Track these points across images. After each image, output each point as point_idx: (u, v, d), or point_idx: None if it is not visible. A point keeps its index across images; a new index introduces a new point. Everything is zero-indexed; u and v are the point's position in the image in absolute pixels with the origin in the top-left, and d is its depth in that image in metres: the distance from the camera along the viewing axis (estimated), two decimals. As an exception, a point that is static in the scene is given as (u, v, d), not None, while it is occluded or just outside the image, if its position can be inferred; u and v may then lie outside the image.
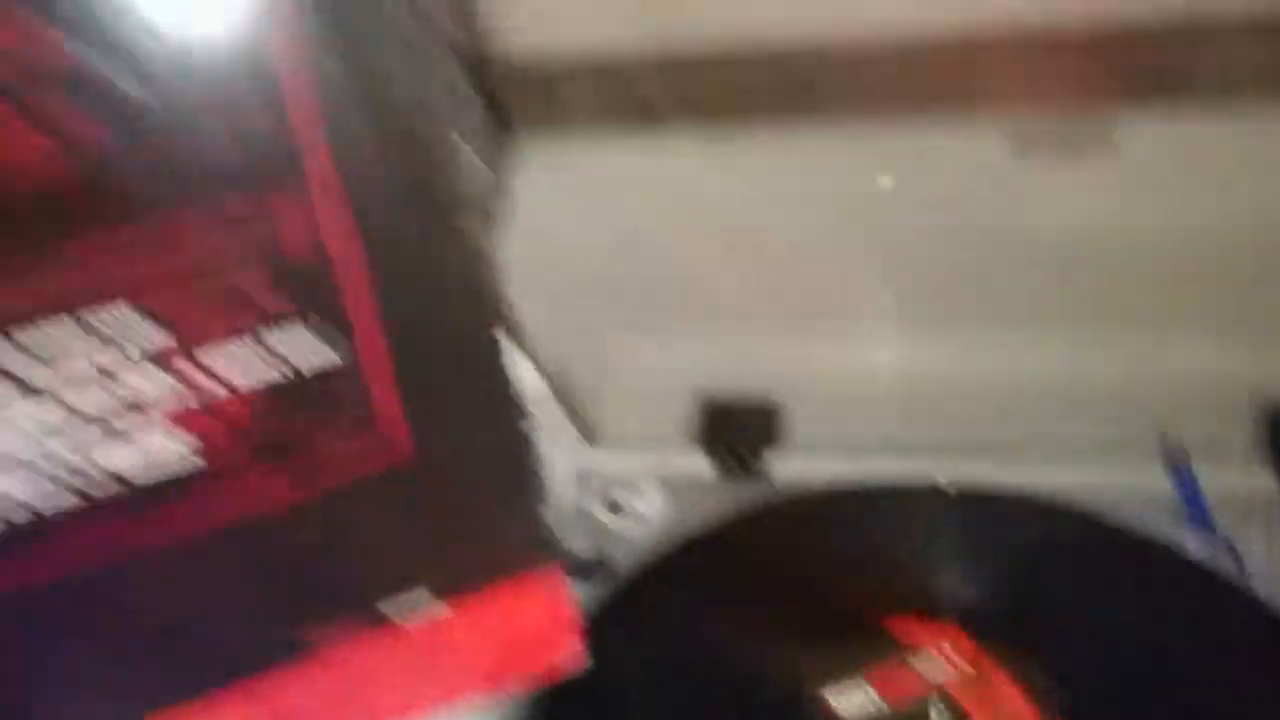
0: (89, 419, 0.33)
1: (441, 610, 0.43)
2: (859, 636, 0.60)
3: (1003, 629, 0.58)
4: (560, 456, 0.75)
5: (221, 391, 0.34)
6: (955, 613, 0.60)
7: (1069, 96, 0.63)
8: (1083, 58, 0.61)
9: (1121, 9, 0.58)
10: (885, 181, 0.68)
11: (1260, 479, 0.66)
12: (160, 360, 0.33)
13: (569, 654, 0.47)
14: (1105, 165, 0.63)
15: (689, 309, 0.77)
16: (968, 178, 0.67)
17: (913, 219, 0.70)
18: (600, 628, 0.61)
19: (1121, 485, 0.68)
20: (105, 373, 0.32)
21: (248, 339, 0.34)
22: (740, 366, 0.76)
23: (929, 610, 0.61)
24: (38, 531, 0.33)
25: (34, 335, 0.30)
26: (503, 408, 0.41)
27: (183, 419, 0.34)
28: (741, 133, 0.69)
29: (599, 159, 0.73)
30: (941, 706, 0.57)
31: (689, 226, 0.75)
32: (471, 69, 0.69)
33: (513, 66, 0.69)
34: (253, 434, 0.35)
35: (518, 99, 0.71)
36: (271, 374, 0.35)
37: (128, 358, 0.32)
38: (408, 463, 0.38)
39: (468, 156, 0.69)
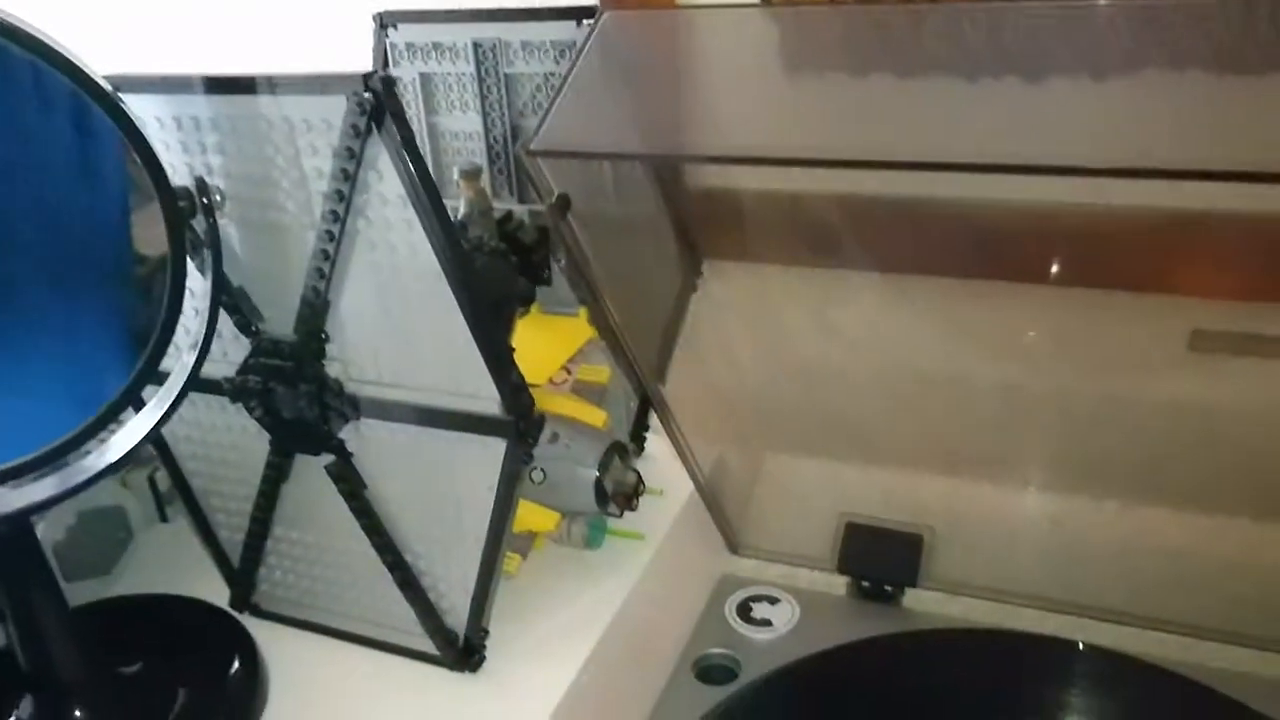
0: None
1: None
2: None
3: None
4: (705, 560, 0.79)
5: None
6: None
7: (1255, 290, 0.64)
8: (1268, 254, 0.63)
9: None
10: (1030, 336, 0.70)
11: None
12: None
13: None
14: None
15: (847, 437, 0.80)
16: (1144, 353, 0.69)
17: (1084, 382, 0.72)
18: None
19: (1268, 678, 0.67)
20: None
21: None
22: (889, 498, 0.79)
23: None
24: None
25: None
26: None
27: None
28: (920, 280, 0.73)
29: (778, 288, 0.78)
30: None
31: (856, 359, 0.79)
32: (669, 199, 0.75)
33: (706, 197, 0.76)
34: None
35: (707, 227, 0.77)
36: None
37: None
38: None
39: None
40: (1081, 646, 0.67)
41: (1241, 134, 0.46)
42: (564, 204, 0.52)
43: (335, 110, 0.49)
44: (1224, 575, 0.71)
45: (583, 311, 0.72)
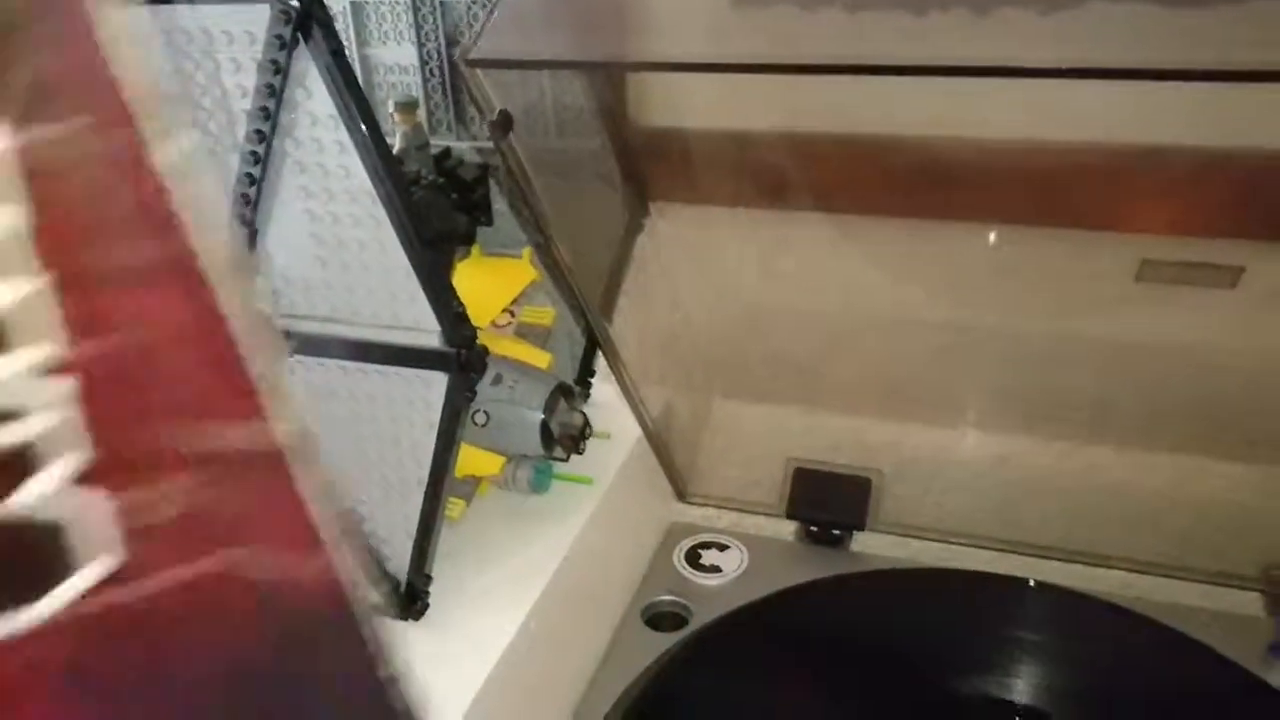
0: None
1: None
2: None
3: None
4: (652, 508, 0.78)
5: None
6: (1022, 711, 0.60)
7: (1203, 223, 0.64)
8: (1220, 190, 0.63)
9: (1266, 144, 0.59)
10: (978, 276, 0.70)
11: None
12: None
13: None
14: (1231, 295, 0.64)
15: (795, 381, 0.79)
16: (1092, 288, 0.69)
17: (1030, 322, 0.72)
18: (676, 674, 0.63)
19: (1213, 609, 0.67)
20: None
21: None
22: (837, 442, 0.78)
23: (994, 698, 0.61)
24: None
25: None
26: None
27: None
28: (868, 221, 0.72)
29: (725, 230, 0.76)
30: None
31: (803, 302, 0.77)
32: (614, 137, 0.73)
33: (652, 137, 0.73)
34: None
35: (654, 168, 0.75)
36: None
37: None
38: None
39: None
40: (1032, 584, 0.67)
41: (1190, 40, 0.45)
42: (505, 121, 0.49)
43: (258, 21, 0.46)
44: (1169, 511, 0.72)
45: (526, 253, 0.70)
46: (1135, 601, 0.67)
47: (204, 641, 0.26)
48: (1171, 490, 0.72)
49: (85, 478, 0.23)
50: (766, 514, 0.78)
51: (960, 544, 0.74)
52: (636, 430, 0.73)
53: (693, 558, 0.75)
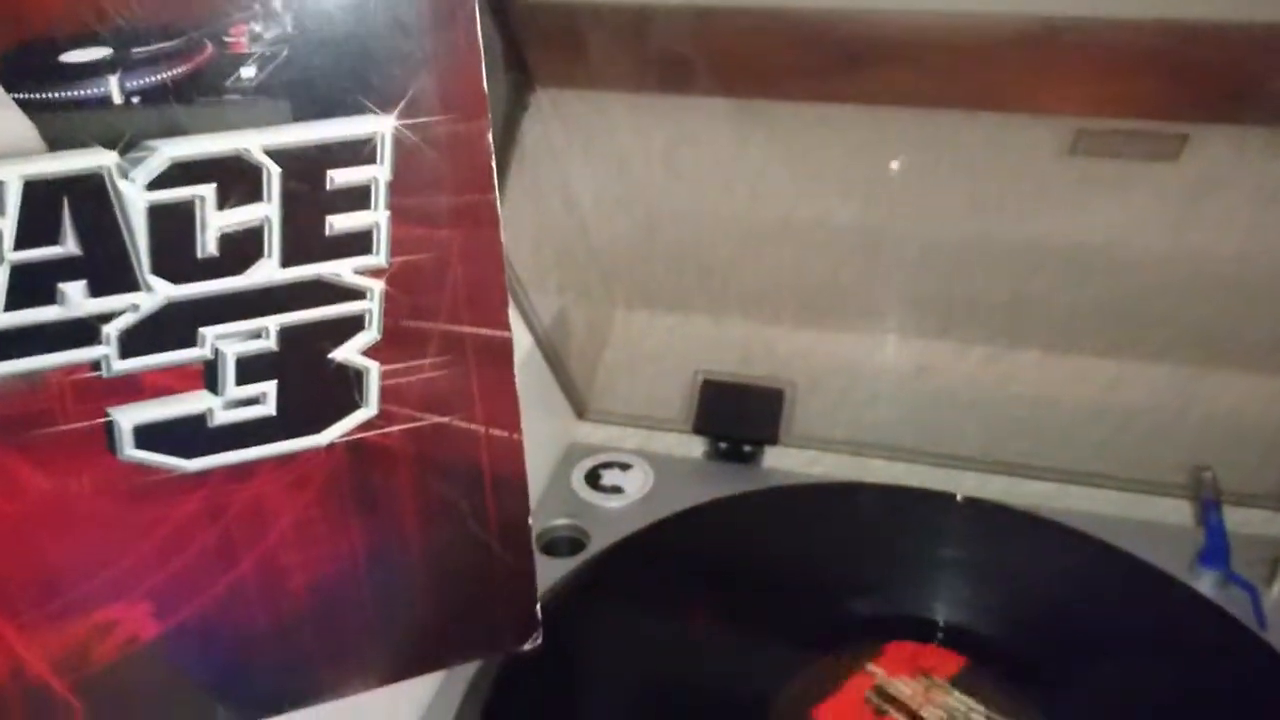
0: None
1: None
2: (832, 646, 0.56)
3: (996, 651, 0.54)
4: (547, 426, 0.71)
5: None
6: (946, 628, 0.56)
7: (1136, 103, 0.59)
8: (1156, 63, 0.58)
9: (1201, 14, 0.54)
10: (896, 164, 0.64)
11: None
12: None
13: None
14: (1163, 181, 0.59)
15: (700, 287, 0.73)
16: (1016, 179, 0.63)
17: (950, 218, 0.66)
18: (570, 602, 0.57)
19: (1140, 519, 0.64)
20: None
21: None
22: (747, 353, 0.72)
23: (918, 621, 0.57)
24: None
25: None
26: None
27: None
28: (774, 105, 0.66)
29: (622, 121, 0.69)
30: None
31: (709, 201, 0.71)
32: (495, 12, 0.65)
33: (538, 13, 0.66)
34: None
35: (540, 49, 0.67)
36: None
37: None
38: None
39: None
40: (959, 499, 0.63)
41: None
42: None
43: None
44: (1094, 418, 0.68)
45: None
46: (1061, 513, 0.63)
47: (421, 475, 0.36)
48: (1097, 396, 0.68)
49: (372, 349, 0.34)
50: (674, 430, 0.72)
51: (878, 458, 0.69)
52: (528, 342, 0.66)
53: (593, 478, 0.69)
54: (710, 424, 0.71)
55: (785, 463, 0.70)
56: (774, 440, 0.70)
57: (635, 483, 0.68)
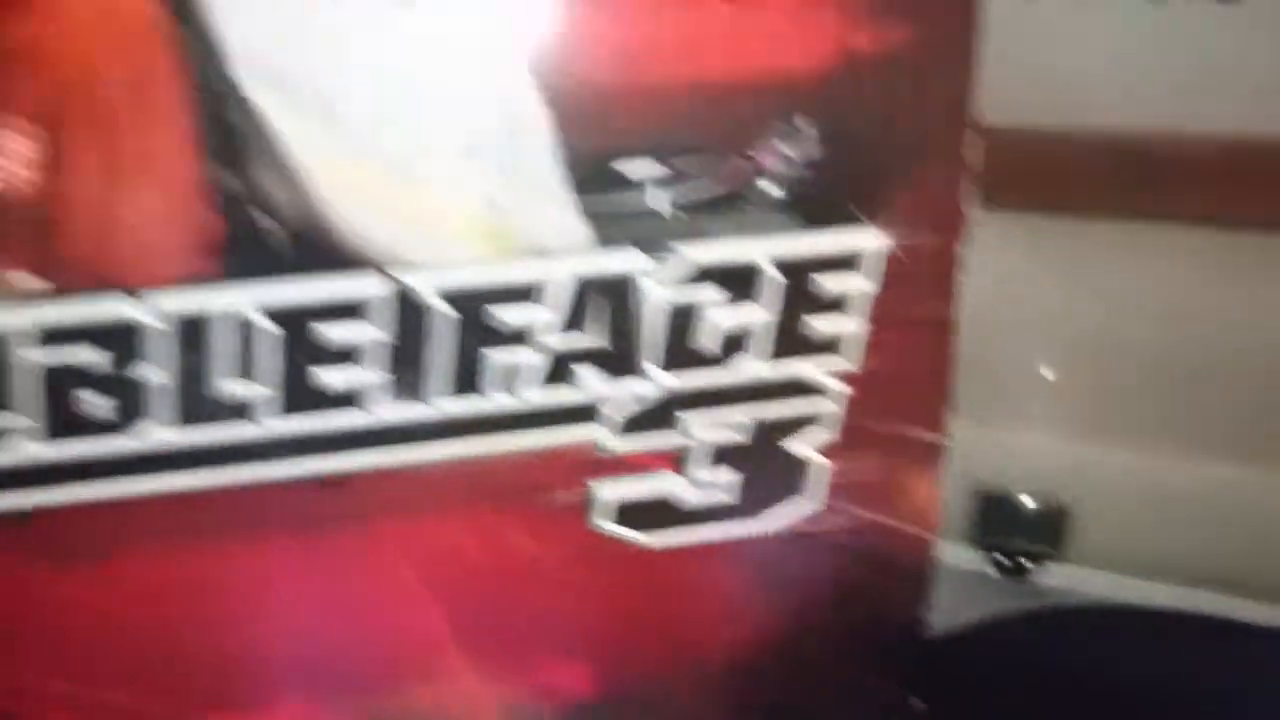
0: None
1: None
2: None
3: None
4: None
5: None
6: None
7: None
8: None
9: None
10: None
11: None
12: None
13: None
14: None
15: (983, 395, 0.73)
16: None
17: (1246, 341, 0.66)
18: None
19: None
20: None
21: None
22: (1029, 465, 0.72)
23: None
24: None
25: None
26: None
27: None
28: (1070, 224, 0.66)
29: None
30: None
31: (1000, 312, 0.72)
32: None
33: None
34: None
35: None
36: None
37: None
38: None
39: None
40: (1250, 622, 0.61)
41: None
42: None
43: None
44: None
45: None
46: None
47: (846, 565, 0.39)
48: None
49: (827, 446, 0.36)
50: (947, 540, 0.72)
51: (1169, 581, 0.68)
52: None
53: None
54: (988, 535, 0.71)
55: (1065, 580, 0.69)
56: (1055, 556, 0.69)
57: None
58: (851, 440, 0.36)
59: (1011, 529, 0.70)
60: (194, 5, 0.27)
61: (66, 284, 0.29)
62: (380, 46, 0.29)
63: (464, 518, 0.33)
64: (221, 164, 0.28)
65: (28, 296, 0.28)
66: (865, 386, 0.35)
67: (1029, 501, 0.70)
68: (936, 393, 0.37)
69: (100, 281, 0.29)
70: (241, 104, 0.28)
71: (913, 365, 0.36)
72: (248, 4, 0.27)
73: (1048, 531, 0.70)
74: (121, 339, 0.29)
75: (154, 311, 0.29)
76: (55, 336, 0.29)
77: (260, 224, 0.29)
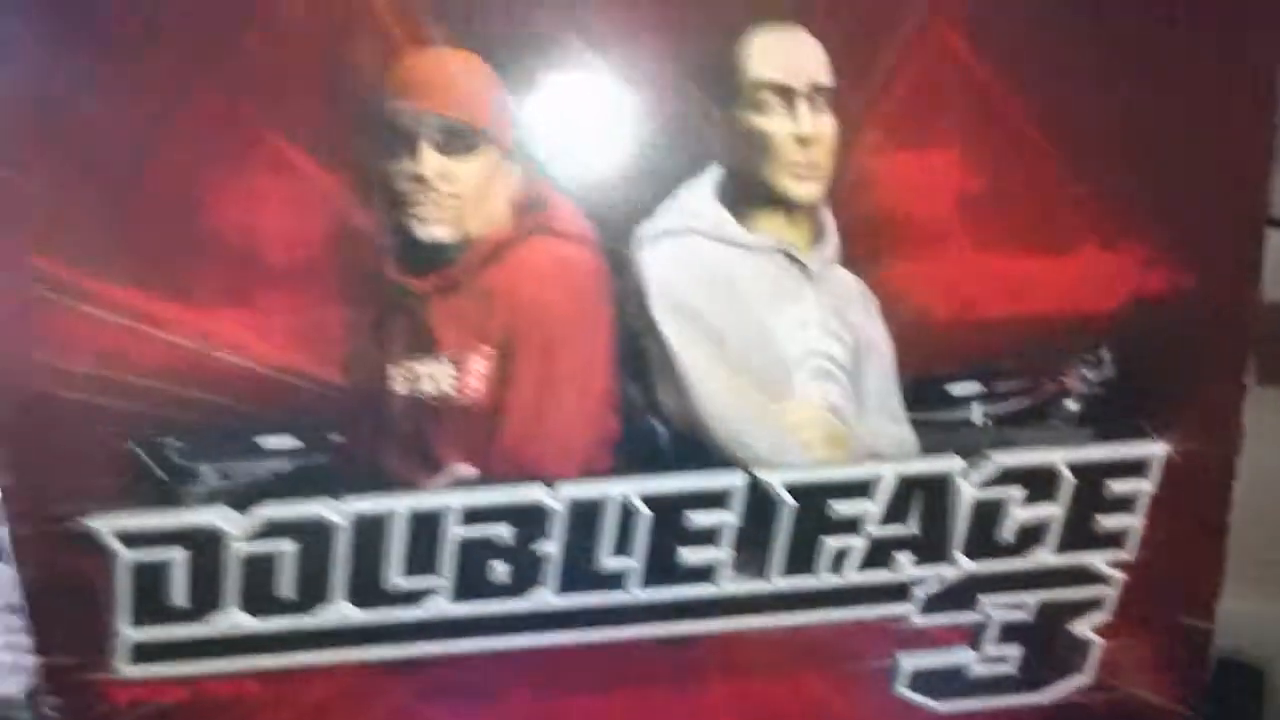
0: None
1: None
2: None
3: None
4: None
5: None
6: None
7: None
8: None
9: None
10: None
11: None
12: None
13: None
14: None
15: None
16: None
17: None
18: None
19: None
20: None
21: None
22: (1223, 625, 0.73)
23: None
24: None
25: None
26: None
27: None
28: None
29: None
30: None
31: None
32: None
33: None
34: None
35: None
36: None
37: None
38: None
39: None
40: None
41: None
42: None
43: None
44: None
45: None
46: None
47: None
48: None
49: (1102, 627, 0.40)
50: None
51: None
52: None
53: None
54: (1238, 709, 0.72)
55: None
56: (1255, 708, 0.70)
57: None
58: (1125, 621, 0.40)
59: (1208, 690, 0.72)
60: (628, 258, 0.34)
61: (493, 473, 0.35)
62: (763, 294, 0.35)
63: (787, 679, 0.38)
64: (629, 377, 0.35)
65: (463, 483, 0.35)
66: (1140, 574, 0.39)
67: (1222, 661, 0.72)
68: (1208, 585, 0.40)
69: (521, 472, 0.35)
70: (653, 331, 0.34)
71: (1182, 558, 0.40)
72: (670, 259, 0.34)
73: (1244, 693, 0.71)
74: (530, 519, 0.35)
75: (560, 498, 0.35)
76: (477, 515, 0.35)
77: (651, 426, 0.35)
